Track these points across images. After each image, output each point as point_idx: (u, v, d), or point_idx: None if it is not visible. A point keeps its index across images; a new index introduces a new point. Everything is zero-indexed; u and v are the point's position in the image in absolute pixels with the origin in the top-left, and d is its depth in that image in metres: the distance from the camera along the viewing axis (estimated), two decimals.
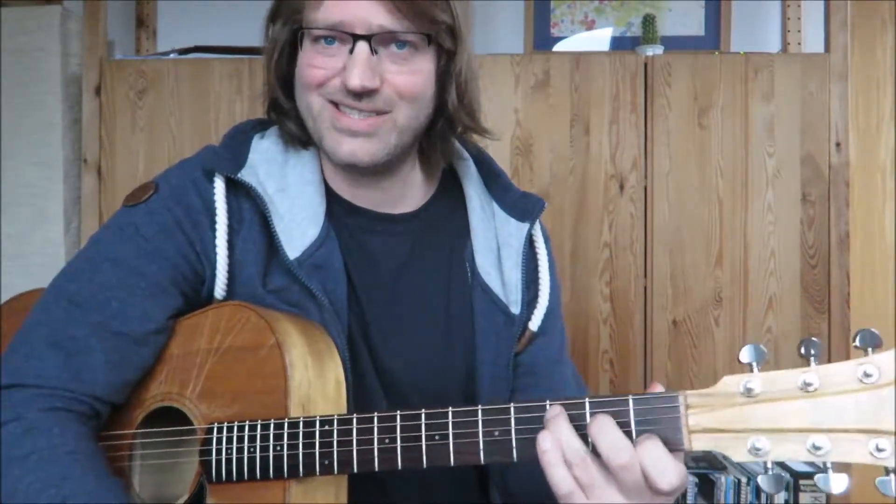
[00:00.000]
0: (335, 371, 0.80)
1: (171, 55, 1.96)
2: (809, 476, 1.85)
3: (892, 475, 0.58)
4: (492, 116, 1.85)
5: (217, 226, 0.83)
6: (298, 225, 0.84)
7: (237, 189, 0.86)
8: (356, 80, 0.79)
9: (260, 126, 0.94)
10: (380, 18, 0.79)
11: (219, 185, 0.85)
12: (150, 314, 0.81)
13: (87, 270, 0.83)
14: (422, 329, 0.90)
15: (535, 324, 0.93)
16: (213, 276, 0.84)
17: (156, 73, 1.89)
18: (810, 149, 1.82)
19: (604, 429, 0.62)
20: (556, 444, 0.63)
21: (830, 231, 1.81)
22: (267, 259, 0.84)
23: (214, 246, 0.84)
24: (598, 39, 2.23)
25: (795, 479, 1.85)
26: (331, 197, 0.89)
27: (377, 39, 0.80)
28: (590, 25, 2.23)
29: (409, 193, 0.93)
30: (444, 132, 0.91)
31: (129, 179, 1.88)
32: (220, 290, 0.84)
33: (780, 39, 2.19)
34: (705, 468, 1.93)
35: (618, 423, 0.63)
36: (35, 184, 1.92)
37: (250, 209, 0.85)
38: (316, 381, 0.78)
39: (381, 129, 0.82)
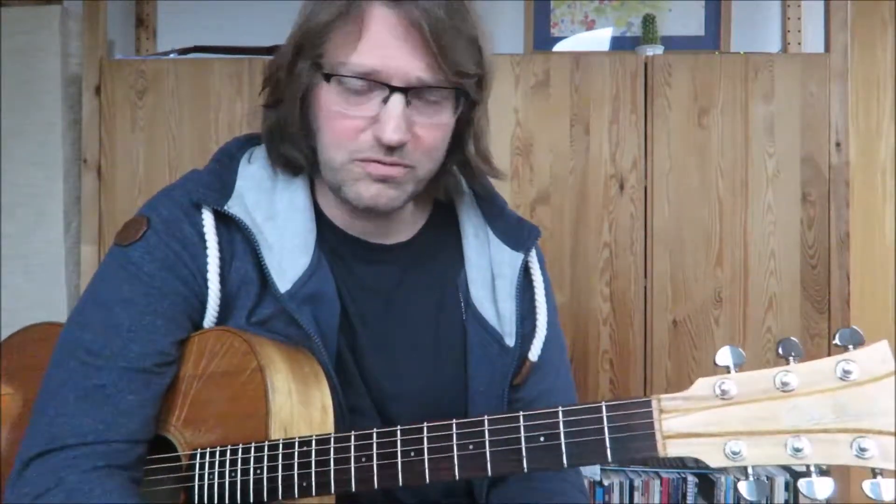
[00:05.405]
0: (321, 398, 0.79)
1: (171, 55, 1.96)
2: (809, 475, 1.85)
3: (879, 477, 0.55)
4: (492, 116, 1.83)
5: (209, 259, 0.82)
6: (289, 254, 0.83)
7: (227, 219, 0.84)
8: (393, 135, 0.77)
9: (248, 143, 0.92)
10: (418, 70, 0.77)
11: (207, 218, 0.83)
12: (167, 350, 0.81)
13: (97, 317, 0.81)
14: (410, 355, 0.90)
15: (534, 354, 0.92)
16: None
17: (156, 73, 1.88)
18: (810, 149, 1.82)
19: None
20: None
21: (830, 231, 1.80)
22: (260, 289, 0.83)
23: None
24: (598, 39, 2.23)
25: (795, 480, 1.85)
26: (324, 224, 0.89)
27: (413, 92, 0.78)
28: (590, 25, 2.23)
29: (401, 225, 0.93)
30: (453, 172, 0.91)
31: (129, 179, 1.88)
32: (209, 322, 0.83)
33: (780, 39, 2.19)
34: (705, 468, 1.92)
35: (592, 429, 0.63)
36: (35, 184, 1.92)
37: (241, 239, 0.84)
38: (300, 408, 0.77)
39: (405, 178, 0.82)
